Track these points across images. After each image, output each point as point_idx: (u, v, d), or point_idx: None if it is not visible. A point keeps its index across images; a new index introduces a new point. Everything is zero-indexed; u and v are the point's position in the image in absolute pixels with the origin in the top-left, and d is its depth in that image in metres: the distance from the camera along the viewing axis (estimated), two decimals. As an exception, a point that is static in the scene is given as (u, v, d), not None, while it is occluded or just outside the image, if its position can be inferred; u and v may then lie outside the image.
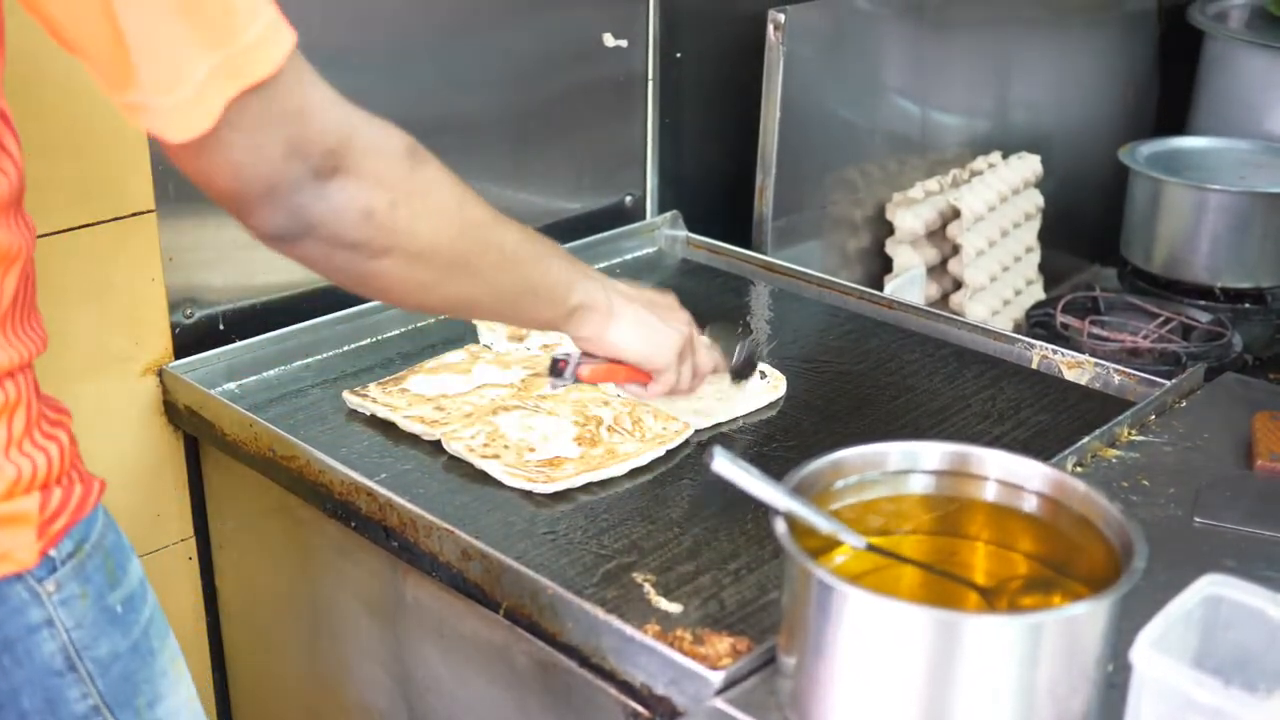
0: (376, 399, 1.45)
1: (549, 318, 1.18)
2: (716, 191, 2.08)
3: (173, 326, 1.52)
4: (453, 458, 1.36)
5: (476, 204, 1.06)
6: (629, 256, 1.95)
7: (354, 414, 1.45)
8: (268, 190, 0.90)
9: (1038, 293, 2.48)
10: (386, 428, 1.42)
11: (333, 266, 0.97)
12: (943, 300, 2.27)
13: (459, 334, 1.66)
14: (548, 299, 1.16)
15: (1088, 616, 0.88)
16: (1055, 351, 1.60)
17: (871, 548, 0.98)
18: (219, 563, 1.62)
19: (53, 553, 0.95)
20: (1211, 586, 0.91)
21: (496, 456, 1.34)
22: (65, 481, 0.97)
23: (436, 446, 1.38)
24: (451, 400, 1.45)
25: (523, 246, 1.11)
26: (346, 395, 1.47)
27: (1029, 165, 2.42)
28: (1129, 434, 1.41)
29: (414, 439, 1.40)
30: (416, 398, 1.45)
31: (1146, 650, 0.85)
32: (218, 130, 0.85)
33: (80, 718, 0.98)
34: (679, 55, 1.98)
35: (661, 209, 2.02)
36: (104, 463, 1.50)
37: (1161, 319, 2.25)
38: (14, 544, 0.93)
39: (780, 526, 0.93)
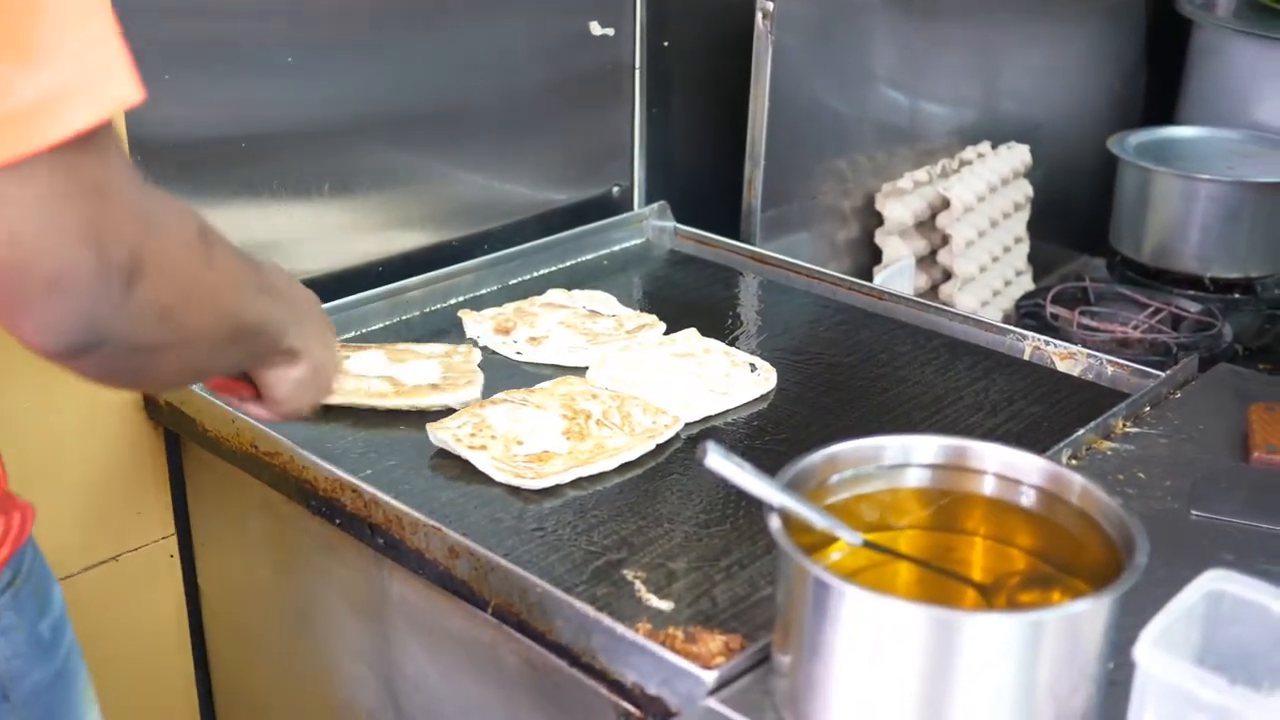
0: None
1: (270, 359, 1.03)
2: (704, 182, 2.06)
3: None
4: (439, 454, 1.34)
5: (252, 274, 0.93)
6: (616, 248, 1.93)
7: (338, 410, 1.43)
8: (53, 280, 0.72)
9: (1027, 283, 2.47)
10: (371, 424, 1.40)
11: (110, 371, 0.82)
12: (932, 291, 2.26)
13: (445, 327, 1.64)
14: (278, 341, 1.00)
15: (1089, 614, 0.87)
16: (1048, 343, 1.59)
17: (868, 544, 0.97)
18: (201, 561, 1.60)
19: None
20: (1213, 582, 0.89)
21: (484, 448, 1.32)
22: (3, 510, 0.95)
23: (422, 442, 1.36)
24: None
25: (273, 304, 0.97)
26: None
27: (1018, 155, 2.41)
28: (1123, 426, 1.39)
29: (401, 434, 1.38)
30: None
31: (1149, 648, 0.83)
32: (2, 180, 0.69)
33: None
34: (666, 44, 1.96)
35: (649, 200, 2.00)
36: (84, 460, 1.48)
37: (1151, 309, 2.24)
38: None
39: (775, 523, 0.91)
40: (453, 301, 1.72)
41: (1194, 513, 1.24)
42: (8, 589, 0.94)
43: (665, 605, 1.11)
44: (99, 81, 0.71)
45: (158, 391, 1.41)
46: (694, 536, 1.22)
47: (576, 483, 1.30)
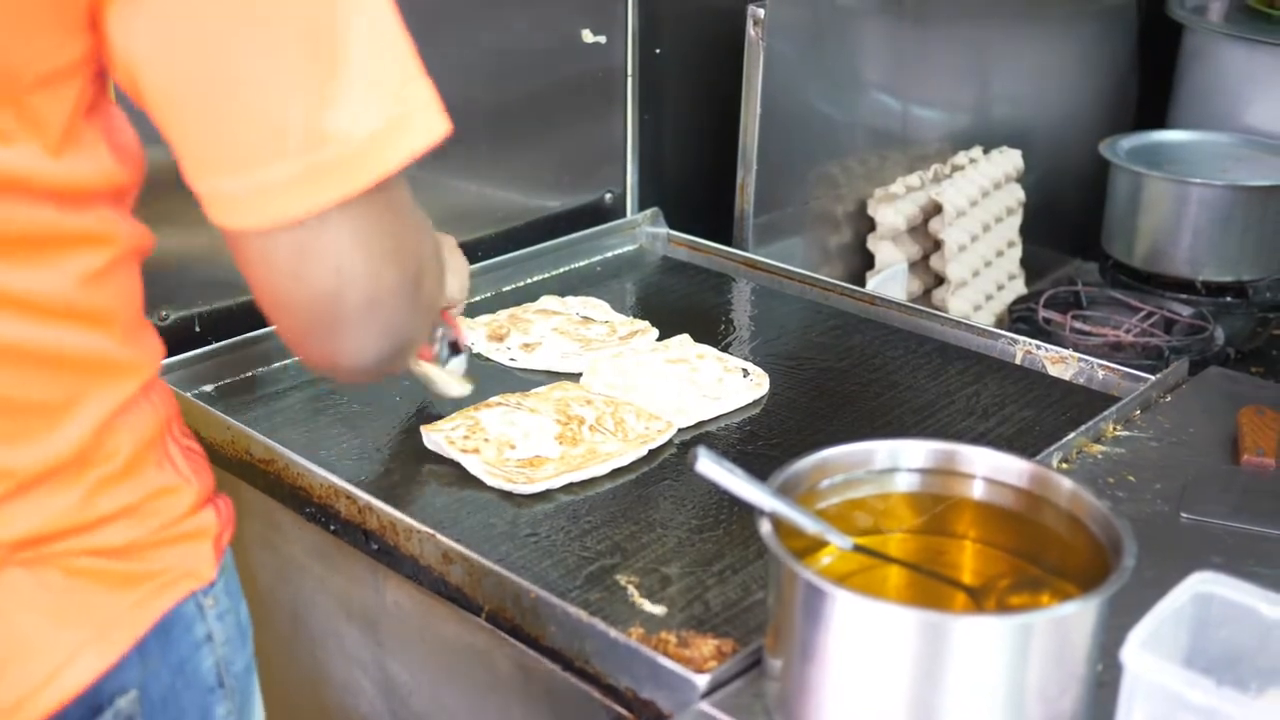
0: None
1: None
2: (697, 188, 2.07)
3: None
4: (432, 460, 1.35)
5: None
6: (609, 254, 1.93)
7: (332, 417, 1.43)
8: (370, 303, 0.80)
9: (1020, 288, 2.47)
10: (364, 431, 1.41)
11: (391, 369, 0.89)
12: (925, 296, 2.27)
13: (438, 334, 1.64)
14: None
15: (1077, 616, 0.87)
16: (1039, 347, 1.59)
17: (858, 548, 0.97)
18: (197, 567, 1.60)
19: (219, 566, 0.93)
20: (1202, 584, 0.90)
21: (476, 451, 1.32)
22: (220, 493, 0.96)
23: (418, 450, 1.37)
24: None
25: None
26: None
27: (1010, 160, 2.42)
28: (1114, 429, 1.40)
29: (394, 441, 1.38)
30: (449, 380, 1.43)
31: (1137, 650, 0.84)
32: (322, 222, 0.76)
33: None
34: (658, 51, 1.97)
35: (642, 206, 2.01)
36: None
37: (1143, 313, 2.25)
38: (197, 560, 0.91)
39: (765, 527, 0.92)
40: (446, 308, 1.73)
41: (1184, 515, 1.24)
42: (223, 573, 0.94)
43: (658, 610, 1.12)
44: (417, 118, 0.78)
45: None
46: (687, 541, 1.22)
47: (569, 488, 1.30)
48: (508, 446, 1.34)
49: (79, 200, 0.80)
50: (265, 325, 1.55)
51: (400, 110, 0.77)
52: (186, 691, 0.91)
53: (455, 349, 1.37)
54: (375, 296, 0.80)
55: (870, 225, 2.19)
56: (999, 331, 1.64)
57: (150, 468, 0.88)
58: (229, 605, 0.95)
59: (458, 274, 1.27)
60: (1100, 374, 1.54)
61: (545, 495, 1.29)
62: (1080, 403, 1.49)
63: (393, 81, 0.78)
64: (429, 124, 0.79)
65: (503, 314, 1.68)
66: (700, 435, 1.42)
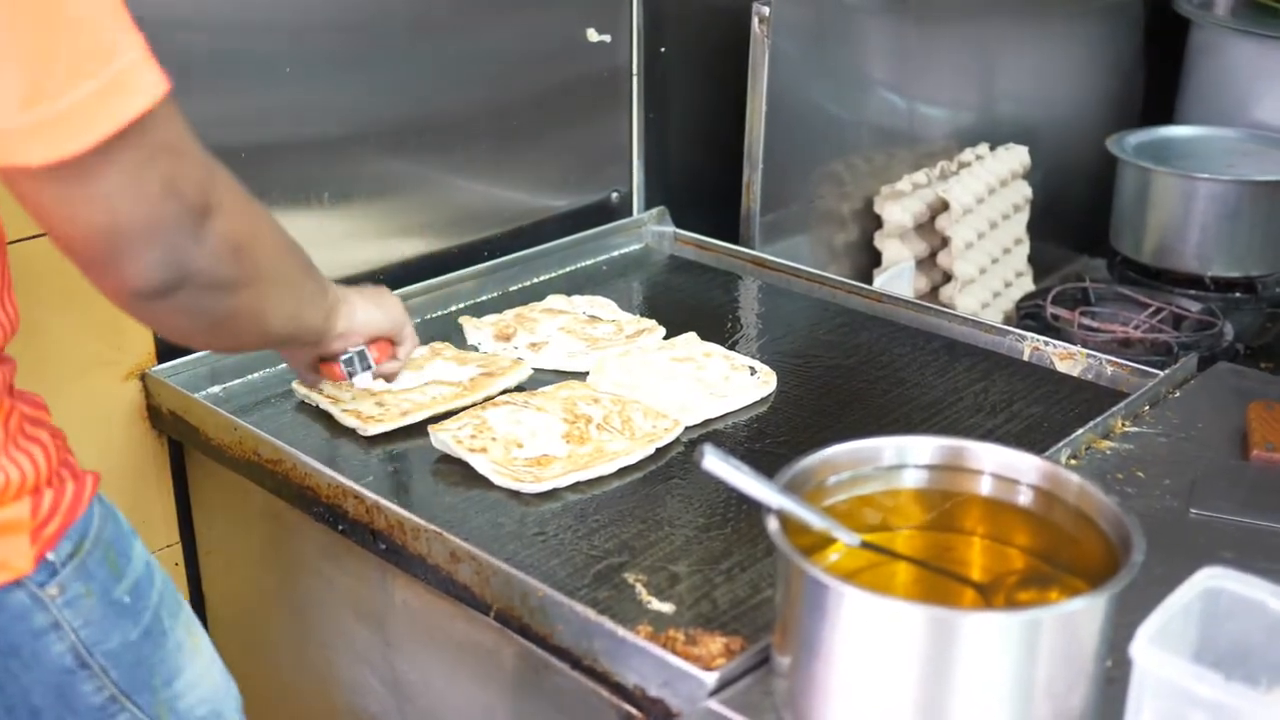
0: (323, 391, 1.44)
1: (318, 320, 1.19)
2: (703, 187, 2.07)
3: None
4: (440, 460, 1.35)
5: (278, 223, 1.06)
6: (615, 253, 1.93)
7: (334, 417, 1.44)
8: (146, 232, 0.85)
9: (1027, 285, 2.47)
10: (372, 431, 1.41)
11: (197, 312, 0.94)
12: (932, 293, 2.26)
13: (445, 333, 1.64)
14: (319, 298, 1.18)
15: (1086, 612, 0.87)
16: (1047, 343, 1.59)
17: (866, 544, 0.97)
18: (205, 568, 1.60)
19: (50, 556, 0.95)
20: (1210, 579, 0.90)
21: (484, 450, 1.32)
22: (55, 482, 0.97)
23: (425, 449, 1.37)
24: (394, 396, 1.44)
25: (302, 253, 1.12)
26: (295, 385, 1.48)
27: (1016, 157, 2.41)
28: (1123, 425, 1.40)
29: (401, 441, 1.38)
30: (362, 391, 1.43)
31: (1146, 645, 0.84)
32: (91, 163, 0.81)
33: (99, 709, 0.99)
34: (663, 50, 1.97)
35: (648, 205, 2.01)
36: (87, 468, 1.48)
37: (1152, 309, 2.24)
38: (9, 552, 0.92)
39: (773, 524, 0.92)
40: (453, 308, 1.73)
41: (1193, 511, 1.24)
42: (70, 560, 0.96)
43: (666, 608, 1.12)
44: (145, 70, 0.84)
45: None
46: (694, 540, 1.22)
47: (577, 487, 1.30)
48: (515, 445, 1.34)
49: None
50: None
51: (132, 65, 0.83)
52: (28, 674, 0.95)
53: (365, 362, 1.29)
54: (152, 226, 0.85)
55: (877, 223, 2.18)
56: (1007, 328, 1.64)
57: None
58: (84, 589, 0.97)
59: (384, 308, 1.28)
60: (1109, 370, 1.54)
61: (553, 494, 1.29)
62: (1088, 399, 1.49)
63: (123, 41, 0.83)
64: (158, 76, 0.84)
65: (509, 313, 1.68)
66: (707, 433, 1.42)
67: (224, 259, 0.91)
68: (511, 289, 1.80)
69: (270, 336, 1.12)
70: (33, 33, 0.79)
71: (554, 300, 1.72)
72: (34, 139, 0.80)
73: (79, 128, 0.80)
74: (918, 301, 1.73)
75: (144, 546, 1.06)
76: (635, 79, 1.95)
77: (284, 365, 1.55)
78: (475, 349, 1.60)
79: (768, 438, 1.42)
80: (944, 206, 2.20)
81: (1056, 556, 0.98)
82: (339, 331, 1.23)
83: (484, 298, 1.76)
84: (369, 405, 1.41)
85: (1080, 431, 1.34)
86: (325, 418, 1.44)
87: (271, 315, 1.05)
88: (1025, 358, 1.60)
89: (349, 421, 1.40)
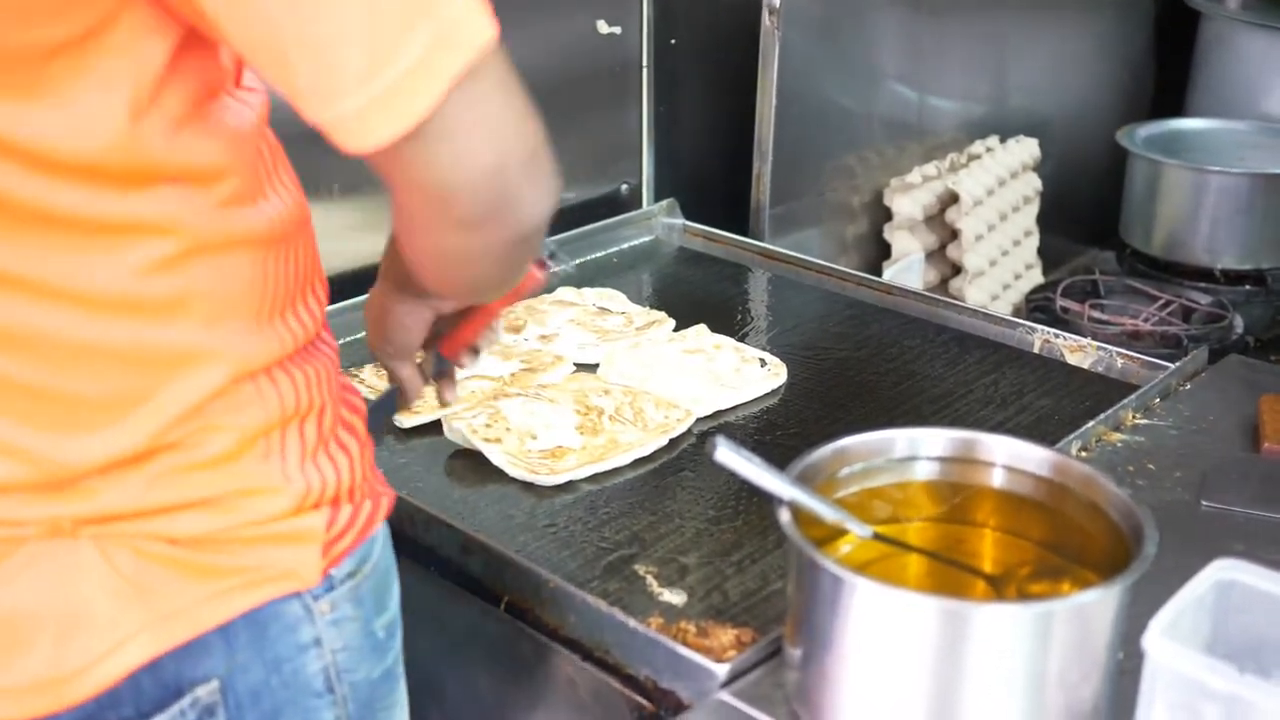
0: (365, 380, 1.44)
1: None
2: (713, 179, 2.06)
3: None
4: (451, 452, 1.35)
5: None
6: (625, 245, 1.93)
7: (351, 408, 1.44)
8: (531, 157, 0.81)
9: (1037, 277, 2.46)
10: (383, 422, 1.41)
11: (539, 242, 0.89)
12: (942, 285, 2.26)
13: (455, 326, 1.64)
14: None
15: (1098, 604, 0.87)
16: (1057, 335, 1.59)
17: (877, 536, 0.97)
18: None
19: (334, 572, 0.90)
20: (1223, 571, 0.90)
21: (498, 440, 1.32)
22: (356, 497, 0.92)
23: (436, 440, 1.37)
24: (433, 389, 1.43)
25: None
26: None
27: (1027, 149, 2.41)
28: (1133, 418, 1.39)
29: (413, 433, 1.39)
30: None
31: (1159, 637, 0.84)
32: (440, 112, 0.75)
33: None
34: (673, 42, 1.97)
35: (658, 197, 2.01)
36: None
37: (1162, 302, 2.24)
38: (298, 562, 0.87)
39: (785, 516, 0.92)
40: (463, 300, 1.73)
41: (1204, 503, 1.24)
42: (348, 579, 0.91)
43: (677, 599, 1.12)
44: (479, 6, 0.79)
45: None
46: (705, 531, 1.22)
47: (587, 478, 1.30)
48: (529, 437, 1.34)
49: (124, 182, 0.77)
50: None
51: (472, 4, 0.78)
52: (284, 691, 0.89)
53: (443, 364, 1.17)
54: (532, 146, 0.82)
55: (886, 215, 2.18)
56: (1017, 320, 1.64)
57: (252, 462, 0.85)
58: (351, 613, 0.91)
59: None
60: (1119, 362, 1.54)
61: (564, 486, 1.29)
62: (1099, 391, 1.49)
63: None
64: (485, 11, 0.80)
65: (519, 305, 1.68)
66: (718, 425, 1.42)
67: (550, 192, 0.86)
68: (521, 281, 1.79)
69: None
70: None
71: (564, 292, 1.72)
72: (380, 109, 0.74)
73: (433, 84, 0.75)
74: (927, 294, 1.73)
75: (399, 590, 1.00)
76: (645, 71, 1.95)
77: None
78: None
79: (778, 430, 1.42)
80: (954, 199, 2.20)
81: (1068, 548, 0.98)
82: None
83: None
84: None
85: (1091, 424, 1.34)
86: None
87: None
88: (1035, 350, 1.60)
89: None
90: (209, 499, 0.84)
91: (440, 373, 1.15)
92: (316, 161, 1.60)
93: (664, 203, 1.97)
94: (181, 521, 0.83)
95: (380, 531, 0.95)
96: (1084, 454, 1.32)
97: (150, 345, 0.81)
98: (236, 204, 0.84)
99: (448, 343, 1.12)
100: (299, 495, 0.87)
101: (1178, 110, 2.72)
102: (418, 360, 1.14)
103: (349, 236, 1.66)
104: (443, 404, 1.21)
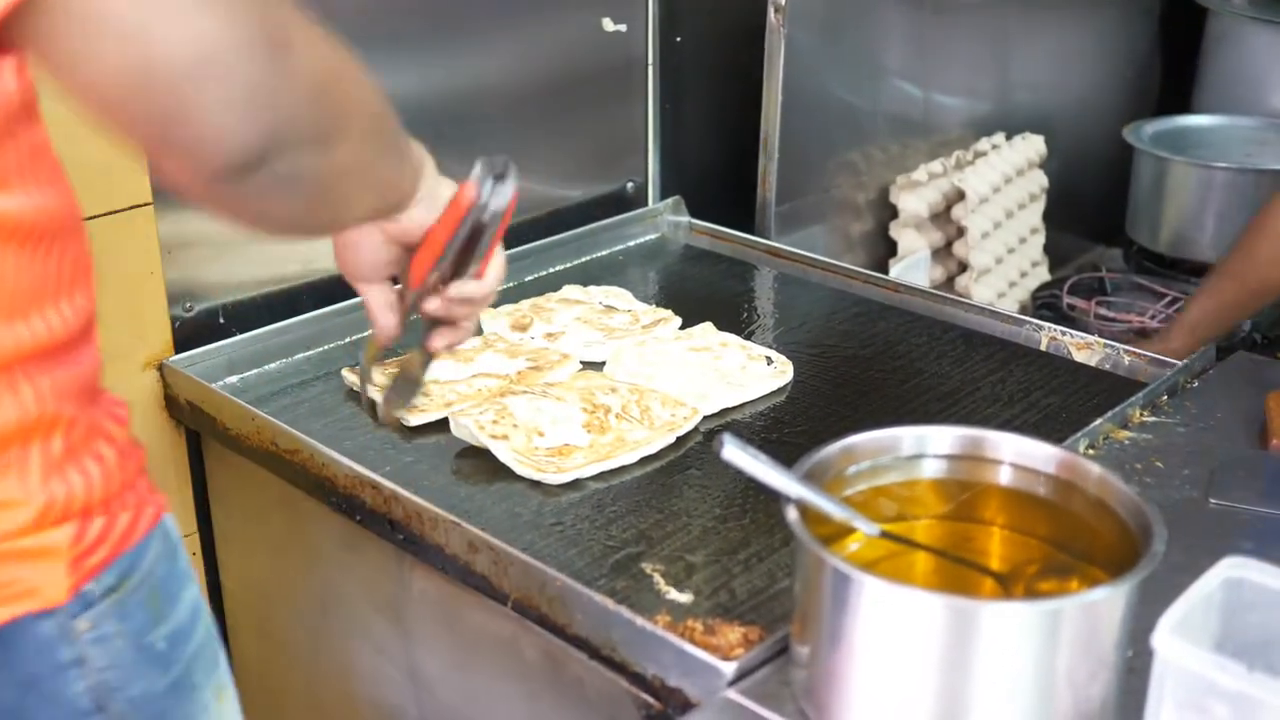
0: (375, 381, 1.43)
1: (409, 181, 1.01)
2: (718, 177, 2.06)
3: (172, 320, 1.51)
4: (457, 450, 1.35)
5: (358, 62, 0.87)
6: (631, 243, 1.93)
7: (358, 405, 1.44)
8: (221, 63, 0.69)
9: (1043, 274, 2.46)
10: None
11: (293, 179, 0.77)
12: (948, 283, 2.26)
13: (461, 324, 1.64)
14: (408, 152, 0.99)
15: (1106, 602, 0.87)
16: (1064, 333, 1.59)
17: (885, 534, 0.97)
18: (223, 558, 1.61)
19: (90, 586, 0.85)
20: (1232, 569, 0.89)
21: (505, 437, 1.32)
22: (113, 506, 0.87)
23: (442, 438, 1.37)
24: (440, 386, 1.43)
25: (385, 97, 0.91)
26: (345, 373, 1.47)
27: (1032, 146, 2.41)
28: (1141, 415, 1.39)
29: (419, 431, 1.39)
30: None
31: (1168, 635, 0.83)
32: None
33: None
34: (679, 39, 1.96)
35: (663, 195, 2.01)
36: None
37: (1168, 298, 2.24)
38: (42, 579, 0.83)
39: (792, 514, 0.92)
40: (469, 298, 1.73)
41: (1212, 501, 1.24)
42: (110, 594, 0.86)
43: (684, 598, 1.12)
44: None
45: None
46: (712, 530, 1.22)
47: (594, 477, 1.30)
48: (536, 434, 1.34)
49: None
50: (289, 317, 1.57)
51: None
52: (48, 710, 0.86)
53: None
54: (204, 52, 0.68)
55: (892, 212, 2.18)
56: (1023, 318, 1.63)
57: None
58: (117, 628, 0.87)
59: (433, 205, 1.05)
60: (1126, 360, 1.54)
61: (571, 484, 1.29)
62: (1106, 389, 1.49)
63: None
64: None
65: (525, 303, 1.68)
66: (725, 423, 1.42)
67: (312, 102, 0.75)
68: (527, 279, 1.80)
69: (371, 204, 0.95)
70: None
71: (570, 290, 1.72)
72: None
73: None
74: (934, 291, 1.73)
75: (198, 592, 0.96)
76: (651, 69, 1.95)
77: (301, 355, 1.55)
78: (502, 339, 1.60)
79: (785, 427, 1.42)
80: (960, 196, 2.20)
81: (1076, 546, 0.98)
82: (419, 197, 1.04)
83: (500, 287, 1.76)
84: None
85: (1098, 421, 1.34)
86: (344, 405, 1.44)
87: (372, 174, 0.89)
88: (1042, 347, 1.59)
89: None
90: None
91: (422, 342, 1.14)
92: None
93: (670, 200, 1.97)
94: None
95: (152, 540, 0.90)
96: (1091, 452, 1.32)
97: None
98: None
99: (410, 275, 1.09)
100: (40, 508, 0.82)
101: (1184, 107, 2.72)
102: (388, 298, 1.11)
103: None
104: (427, 352, 1.15)
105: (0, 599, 0.82)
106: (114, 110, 0.71)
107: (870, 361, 1.57)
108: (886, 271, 2.12)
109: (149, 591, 0.90)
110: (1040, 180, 2.42)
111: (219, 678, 0.98)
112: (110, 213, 1.42)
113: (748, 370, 1.50)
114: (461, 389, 1.44)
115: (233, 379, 1.51)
